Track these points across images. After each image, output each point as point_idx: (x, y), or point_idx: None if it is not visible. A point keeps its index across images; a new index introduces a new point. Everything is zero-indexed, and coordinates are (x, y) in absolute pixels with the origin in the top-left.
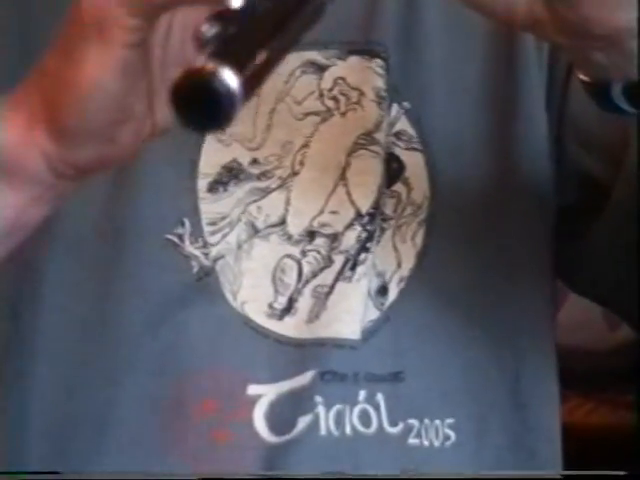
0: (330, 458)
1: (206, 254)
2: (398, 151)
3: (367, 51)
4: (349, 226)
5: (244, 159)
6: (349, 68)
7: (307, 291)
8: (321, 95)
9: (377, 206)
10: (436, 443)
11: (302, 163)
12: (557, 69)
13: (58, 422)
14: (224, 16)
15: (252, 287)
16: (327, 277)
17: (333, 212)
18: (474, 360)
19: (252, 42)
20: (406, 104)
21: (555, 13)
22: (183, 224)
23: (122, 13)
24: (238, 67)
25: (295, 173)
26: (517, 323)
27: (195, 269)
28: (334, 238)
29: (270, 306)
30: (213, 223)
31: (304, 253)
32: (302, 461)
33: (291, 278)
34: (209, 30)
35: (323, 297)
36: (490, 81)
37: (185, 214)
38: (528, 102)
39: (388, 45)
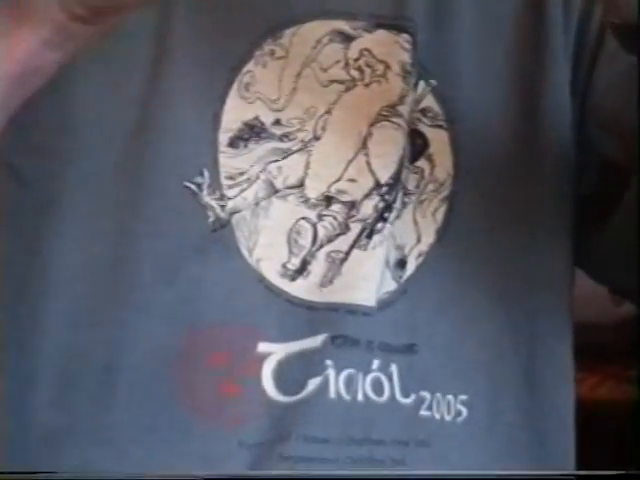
0: (340, 422)
1: (222, 206)
2: (423, 128)
3: (395, 26)
4: (367, 195)
5: (267, 118)
6: (376, 41)
7: (321, 255)
8: (347, 65)
9: (397, 177)
10: (447, 417)
11: (324, 129)
12: (583, 55)
13: (68, 359)
14: None
15: (268, 245)
16: (342, 244)
17: (351, 180)
18: (489, 338)
19: None
20: (433, 82)
21: None
22: (202, 174)
23: None
24: None
25: (317, 138)
26: (535, 302)
27: (211, 219)
28: (352, 206)
29: (284, 266)
30: (231, 177)
31: (320, 217)
32: (311, 422)
33: (306, 240)
34: None
35: (338, 263)
36: (517, 65)
37: (205, 165)
38: (554, 86)
39: (417, 21)
